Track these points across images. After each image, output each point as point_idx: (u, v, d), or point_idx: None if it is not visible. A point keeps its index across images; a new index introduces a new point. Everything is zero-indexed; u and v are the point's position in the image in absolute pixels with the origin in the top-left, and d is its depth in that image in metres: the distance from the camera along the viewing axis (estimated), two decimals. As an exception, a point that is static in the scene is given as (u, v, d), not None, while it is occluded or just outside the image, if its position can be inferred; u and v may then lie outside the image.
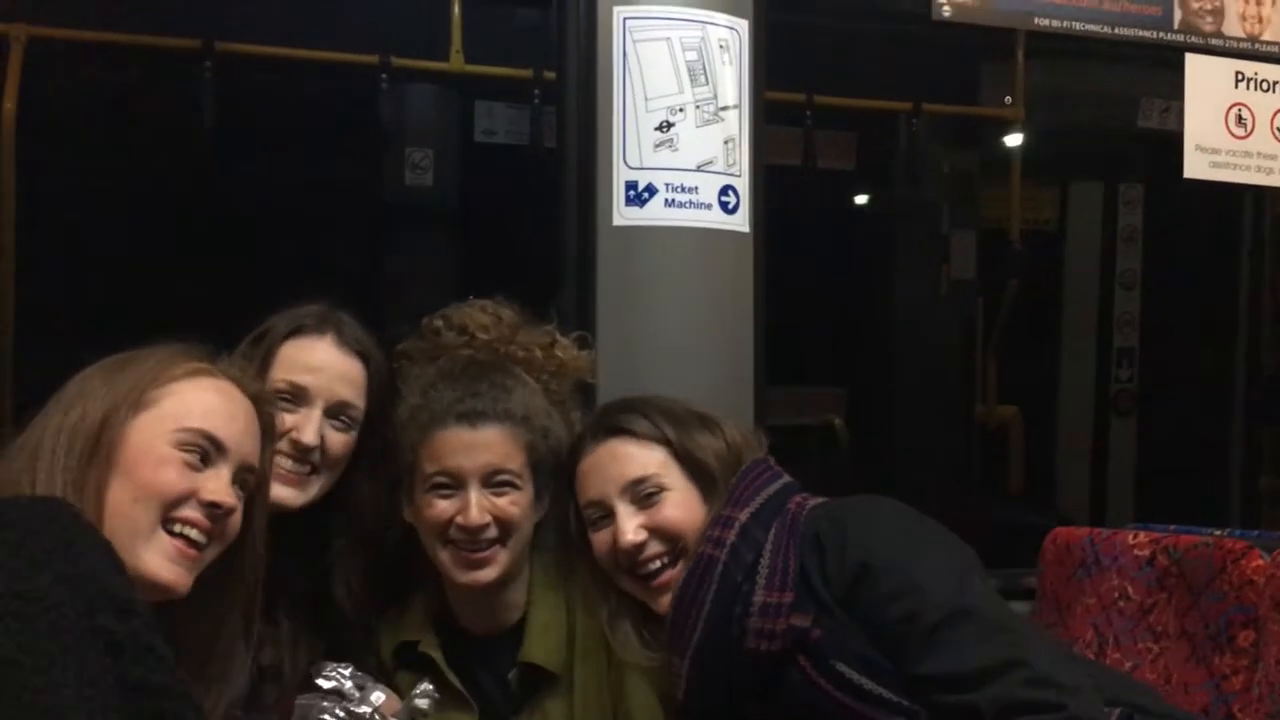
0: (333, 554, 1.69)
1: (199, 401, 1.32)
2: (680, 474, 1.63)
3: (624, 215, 1.96)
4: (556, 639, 1.68)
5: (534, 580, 1.72)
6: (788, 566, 1.50)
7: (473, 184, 4.03)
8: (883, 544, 1.48)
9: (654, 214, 1.97)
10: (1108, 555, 1.99)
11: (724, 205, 2.00)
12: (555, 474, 1.71)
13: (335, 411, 1.66)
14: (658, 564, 1.61)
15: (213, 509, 1.27)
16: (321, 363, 1.66)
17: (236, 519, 1.32)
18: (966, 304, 4.66)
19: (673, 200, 1.96)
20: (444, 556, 1.66)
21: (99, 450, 1.24)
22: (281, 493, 1.59)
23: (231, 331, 1.66)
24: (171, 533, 1.26)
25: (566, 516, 1.71)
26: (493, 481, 1.64)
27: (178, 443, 1.28)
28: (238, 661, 1.43)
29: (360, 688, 1.58)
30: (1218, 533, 1.92)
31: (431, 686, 1.60)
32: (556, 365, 1.79)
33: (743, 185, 2.02)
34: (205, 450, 1.29)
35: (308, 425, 1.62)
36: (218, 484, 1.29)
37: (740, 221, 2.03)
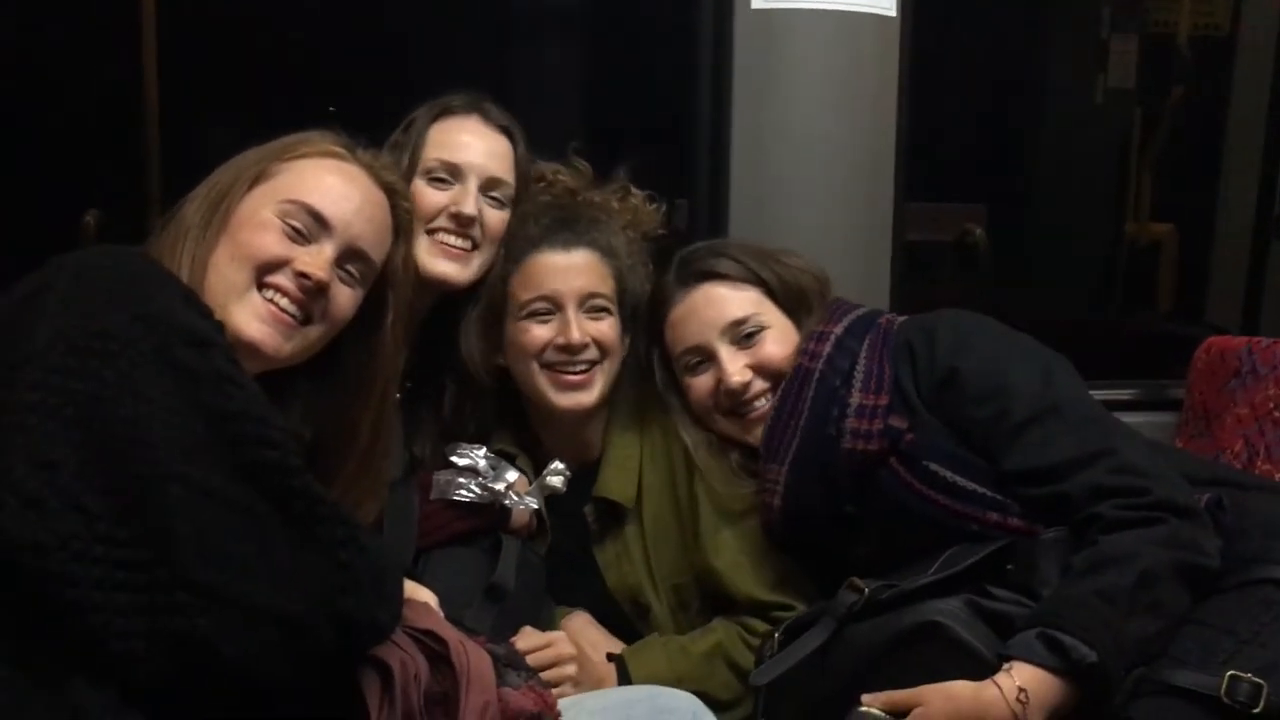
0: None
1: (315, 178, 1.33)
2: (775, 310, 1.67)
3: (763, -3, 1.88)
4: (631, 475, 1.73)
5: (611, 421, 1.77)
6: (883, 372, 1.53)
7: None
8: (971, 349, 1.52)
9: (795, -5, 1.88)
10: (1265, 364, 1.89)
11: (870, -15, 1.89)
12: (633, 320, 1.74)
13: (489, 187, 1.71)
14: (761, 401, 1.65)
15: (302, 279, 1.29)
16: (471, 139, 1.71)
17: (342, 303, 1.34)
18: (1123, 115, 4.37)
19: (815, -20, 1.87)
20: (542, 380, 1.69)
21: (215, 217, 1.28)
22: (446, 268, 1.67)
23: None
24: (264, 297, 1.29)
25: (648, 366, 1.75)
26: (588, 305, 1.68)
27: (281, 213, 1.30)
28: (383, 449, 1.47)
29: (494, 467, 1.64)
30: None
31: (563, 465, 1.65)
32: (630, 214, 1.83)
33: (890, -36, 1.90)
34: (308, 223, 1.31)
35: (466, 197, 1.68)
36: (314, 258, 1.30)
37: (887, 5, 1.91)
